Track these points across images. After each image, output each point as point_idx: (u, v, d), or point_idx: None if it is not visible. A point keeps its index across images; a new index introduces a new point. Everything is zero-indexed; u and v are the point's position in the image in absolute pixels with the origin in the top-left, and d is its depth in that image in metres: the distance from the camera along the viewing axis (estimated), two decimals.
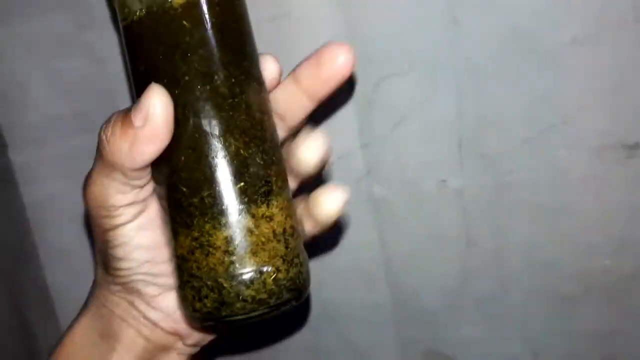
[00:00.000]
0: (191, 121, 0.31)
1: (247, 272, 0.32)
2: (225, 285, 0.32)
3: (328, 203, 0.34)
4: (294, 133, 0.36)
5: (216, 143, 0.31)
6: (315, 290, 0.50)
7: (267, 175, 0.32)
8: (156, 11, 0.31)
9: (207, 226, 0.32)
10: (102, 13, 0.45)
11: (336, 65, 0.34)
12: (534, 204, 0.46)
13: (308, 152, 0.34)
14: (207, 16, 0.31)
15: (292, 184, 0.36)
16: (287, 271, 0.32)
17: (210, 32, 0.31)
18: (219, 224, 0.31)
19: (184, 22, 0.31)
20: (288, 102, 0.35)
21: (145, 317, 0.35)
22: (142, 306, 0.35)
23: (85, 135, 0.47)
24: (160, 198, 0.33)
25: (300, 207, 0.35)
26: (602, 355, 0.49)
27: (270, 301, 0.32)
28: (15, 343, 0.48)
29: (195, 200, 0.32)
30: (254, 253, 0.32)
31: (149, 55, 0.32)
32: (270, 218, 0.32)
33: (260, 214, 0.32)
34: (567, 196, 0.45)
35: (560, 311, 0.48)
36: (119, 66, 0.46)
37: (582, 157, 0.44)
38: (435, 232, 0.48)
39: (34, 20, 0.46)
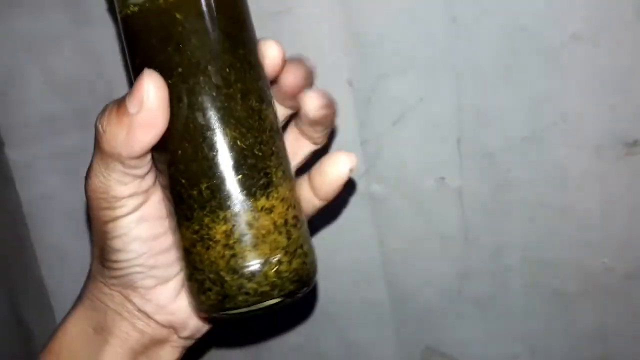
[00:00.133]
0: (186, 112, 0.31)
1: (248, 265, 0.31)
2: (227, 278, 0.32)
3: (335, 167, 0.35)
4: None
5: (212, 135, 0.31)
6: (314, 289, 0.50)
7: (266, 166, 0.32)
8: (149, 2, 0.31)
9: (207, 219, 0.31)
10: (99, 10, 0.45)
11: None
12: (533, 201, 0.46)
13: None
14: (198, 6, 0.31)
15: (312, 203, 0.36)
16: (290, 263, 0.32)
17: (202, 21, 0.31)
18: (218, 217, 0.31)
19: (176, 14, 0.31)
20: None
21: (140, 310, 0.35)
22: (137, 299, 0.35)
23: (82, 133, 0.47)
24: (163, 188, 0.33)
25: (304, 181, 0.36)
26: (601, 354, 0.49)
27: (273, 293, 0.32)
28: (12, 341, 0.48)
29: (194, 192, 0.31)
30: (254, 246, 0.31)
31: (144, 46, 0.32)
32: (270, 210, 0.32)
33: (260, 207, 0.32)
34: (567, 194, 0.45)
35: (559, 310, 0.48)
36: (116, 63, 0.46)
37: (581, 155, 0.44)
38: (434, 230, 0.48)
39: (30, 18, 0.46)
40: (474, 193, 0.46)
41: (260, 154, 0.32)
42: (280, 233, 0.32)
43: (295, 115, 0.36)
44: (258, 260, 0.31)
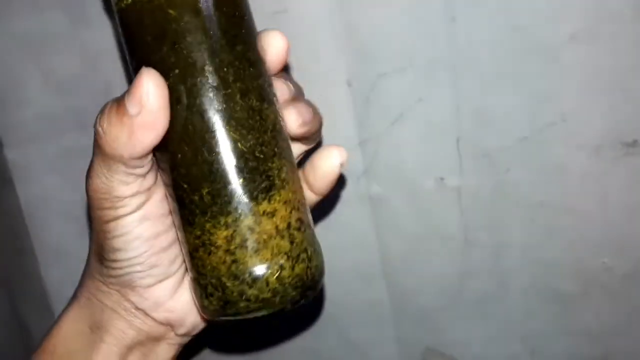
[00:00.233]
0: (184, 114, 0.30)
1: (249, 271, 0.31)
2: (228, 284, 0.31)
3: (326, 161, 0.34)
4: None
5: (211, 137, 0.30)
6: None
7: (268, 168, 0.31)
8: None
9: (208, 225, 0.31)
10: (96, 10, 0.45)
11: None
12: (533, 201, 0.46)
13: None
14: (193, 1, 0.30)
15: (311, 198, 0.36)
16: (292, 268, 0.31)
17: (196, 18, 0.30)
18: (219, 223, 0.31)
19: (169, 10, 0.30)
20: None
21: (137, 309, 0.35)
22: (135, 297, 0.34)
23: (80, 133, 0.47)
24: (166, 186, 0.33)
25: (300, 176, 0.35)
26: (601, 354, 0.49)
27: (275, 300, 0.31)
28: (11, 341, 0.48)
29: (195, 197, 0.31)
30: (256, 251, 0.31)
31: (139, 43, 0.31)
32: (272, 214, 0.31)
33: (262, 211, 0.31)
34: (566, 194, 0.45)
35: (559, 310, 0.48)
36: (113, 63, 0.46)
37: (580, 155, 0.44)
38: (434, 230, 0.48)
39: (28, 18, 0.46)
40: (474, 193, 0.46)
41: (261, 156, 0.31)
42: (282, 237, 0.31)
43: None
44: (259, 266, 0.31)
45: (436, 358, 0.51)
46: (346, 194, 0.48)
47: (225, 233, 0.31)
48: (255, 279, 0.31)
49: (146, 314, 0.35)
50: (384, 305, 0.50)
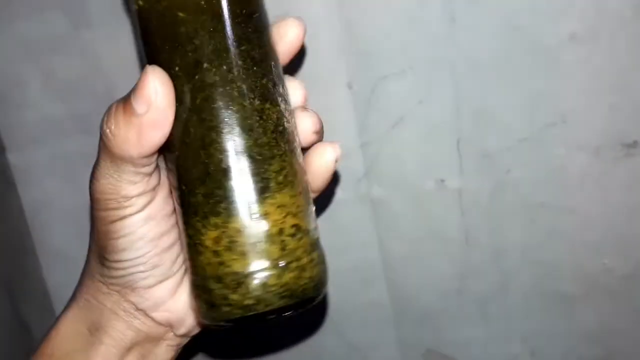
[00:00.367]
0: (185, 115, 0.30)
1: (232, 275, 0.30)
2: (212, 287, 0.30)
3: (320, 158, 0.34)
4: None
5: (207, 137, 0.30)
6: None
7: (264, 170, 0.30)
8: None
9: (199, 225, 0.30)
10: (99, 13, 0.45)
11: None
12: (533, 203, 0.46)
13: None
14: (198, 3, 0.29)
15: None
16: (279, 276, 0.30)
17: (199, 18, 0.29)
18: (209, 223, 0.30)
19: (178, 12, 0.29)
20: None
21: (137, 309, 0.35)
22: (135, 298, 0.34)
23: (83, 136, 0.47)
24: (170, 184, 0.33)
25: None
26: (602, 355, 0.49)
27: (258, 308, 0.30)
28: (14, 344, 0.48)
29: (191, 198, 0.30)
30: (242, 254, 0.30)
31: (147, 42, 0.31)
32: (263, 218, 0.30)
33: (252, 214, 0.30)
34: (566, 195, 0.45)
35: (560, 311, 0.48)
36: (116, 66, 0.46)
37: (580, 156, 0.44)
38: (434, 232, 0.48)
39: (31, 21, 0.46)
40: (474, 194, 0.46)
41: (258, 157, 0.30)
42: (273, 242, 0.30)
43: None
44: (243, 270, 0.30)
45: (437, 359, 0.51)
46: (347, 195, 0.48)
47: (214, 234, 0.30)
48: (239, 284, 0.30)
49: (146, 315, 0.35)
50: (384, 306, 0.50)
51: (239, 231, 0.30)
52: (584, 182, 0.44)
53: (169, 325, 0.36)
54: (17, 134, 0.49)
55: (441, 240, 0.48)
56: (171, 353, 0.37)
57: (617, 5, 0.40)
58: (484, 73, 0.43)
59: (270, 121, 0.31)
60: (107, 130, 0.30)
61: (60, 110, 0.48)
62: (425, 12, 0.42)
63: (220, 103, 0.30)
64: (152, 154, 0.31)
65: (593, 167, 0.44)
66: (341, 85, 0.45)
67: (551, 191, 0.45)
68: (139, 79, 0.29)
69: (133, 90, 0.30)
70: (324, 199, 0.48)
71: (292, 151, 0.32)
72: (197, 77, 0.30)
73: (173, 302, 0.35)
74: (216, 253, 0.30)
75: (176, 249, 0.34)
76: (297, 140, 0.33)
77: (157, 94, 0.29)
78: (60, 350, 0.35)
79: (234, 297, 0.30)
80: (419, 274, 0.49)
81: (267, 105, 0.31)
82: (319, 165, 0.34)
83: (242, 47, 0.30)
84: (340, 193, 0.48)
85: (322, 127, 0.35)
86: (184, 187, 0.31)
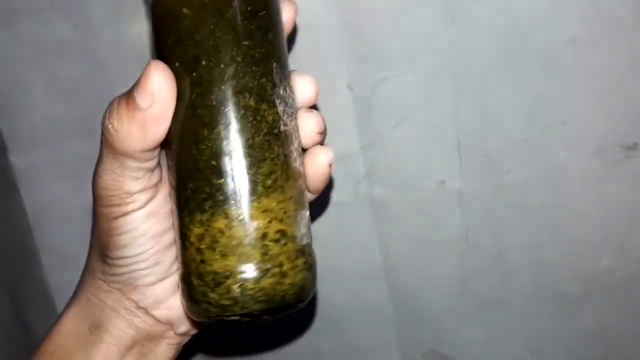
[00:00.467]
0: (182, 110, 0.30)
1: (213, 274, 0.30)
2: (194, 283, 0.30)
3: (315, 160, 0.34)
4: None
5: (199, 133, 0.30)
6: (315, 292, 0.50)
7: (252, 173, 0.30)
8: None
9: (186, 220, 0.30)
10: (101, 16, 0.45)
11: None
12: (533, 204, 0.46)
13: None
14: (202, 1, 0.29)
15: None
16: (258, 281, 0.30)
17: (201, 15, 0.29)
18: (195, 219, 0.30)
19: (183, 8, 0.30)
20: None
21: (138, 307, 0.35)
22: (136, 296, 0.34)
23: (85, 138, 0.47)
24: (170, 183, 0.33)
25: None
26: (602, 355, 0.49)
27: (235, 309, 0.30)
28: (16, 345, 0.48)
29: (182, 193, 0.31)
30: (222, 255, 0.30)
31: (156, 36, 0.31)
32: (246, 221, 0.30)
33: (235, 215, 0.29)
34: (566, 196, 0.45)
35: (560, 311, 0.48)
36: (118, 69, 0.46)
37: (580, 158, 0.44)
38: (435, 233, 0.48)
39: (33, 24, 0.46)
40: (475, 195, 0.46)
41: (248, 158, 0.30)
42: (254, 247, 0.30)
43: None
44: (223, 271, 0.30)
45: None
46: (348, 197, 0.48)
47: (198, 230, 0.30)
48: (217, 284, 0.30)
49: (147, 313, 0.35)
50: (385, 307, 0.50)
51: (221, 231, 0.30)
52: (584, 183, 0.44)
53: (170, 324, 0.36)
54: (19, 136, 0.49)
55: (441, 241, 0.48)
56: (172, 352, 0.37)
57: (617, 8, 0.40)
58: (485, 74, 0.43)
59: (264, 123, 0.30)
60: (110, 126, 0.30)
61: (62, 112, 0.48)
62: (425, 13, 0.42)
63: (214, 100, 0.29)
64: (154, 148, 0.31)
65: (593, 169, 0.44)
66: (342, 86, 0.45)
67: (551, 192, 0.45)
68: (142, 74, 0.30)
69: (136, 85, 0.30)
70: (324, 199, 0.48)
71: (286, 155, 0.31)
72: (195, 72, 0.30)
73: (174, 300, 0.35)
74: (199, 250, 0.30)
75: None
76: (296, 144, 0.32)
77: (160, 88, 0.29)
78: (61, 349, 0.36)
79: (213, 295, 0.30)
80: (420, 275, 0.49)
81: (263, 107, 0.30)
82: (314, 168, 0.34)
83: (243, 45, 0.30)
84: (341, 194, 0.48)
85: (325, 129, 0.35)
86: (177, 181, 0.31)
